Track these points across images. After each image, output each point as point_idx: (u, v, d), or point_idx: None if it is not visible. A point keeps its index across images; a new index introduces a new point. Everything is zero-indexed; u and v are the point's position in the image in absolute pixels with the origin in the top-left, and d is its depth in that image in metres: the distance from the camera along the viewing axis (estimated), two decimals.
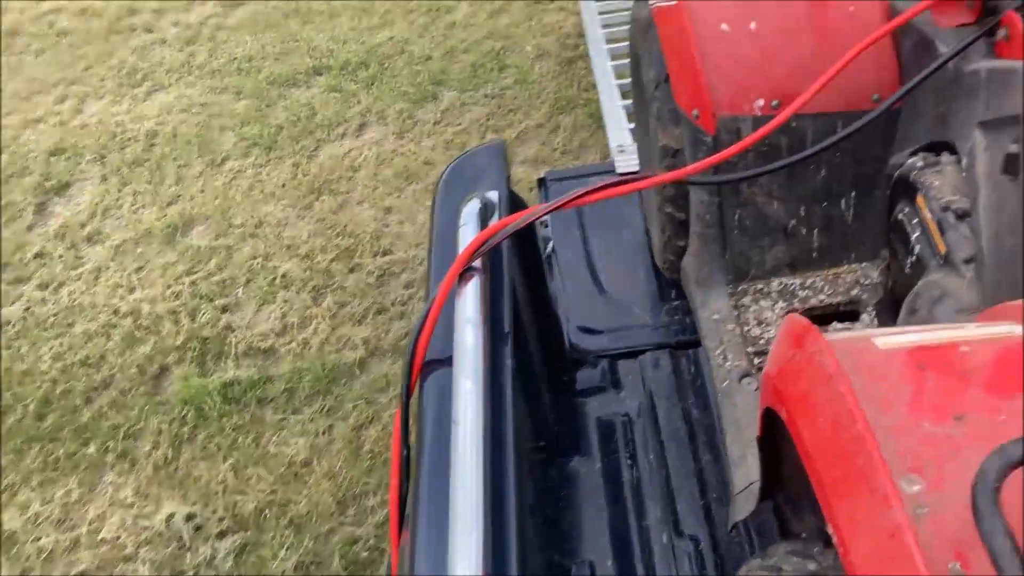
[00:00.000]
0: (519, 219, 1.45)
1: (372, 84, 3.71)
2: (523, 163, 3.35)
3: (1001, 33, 1.46)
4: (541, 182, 2.62)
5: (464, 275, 1.36)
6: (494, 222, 1.53)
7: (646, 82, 1.91)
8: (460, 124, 3.51)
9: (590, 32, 3.54)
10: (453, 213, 1.55)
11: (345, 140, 3.51)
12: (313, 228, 3.20)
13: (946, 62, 1.44)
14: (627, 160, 2.61)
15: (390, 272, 3.01)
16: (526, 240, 1.78)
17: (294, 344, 2.78)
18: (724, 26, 1.58)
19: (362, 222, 3.19)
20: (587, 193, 1.50)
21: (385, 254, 3.08)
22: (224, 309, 2.92)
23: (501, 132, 3.45)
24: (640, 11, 1.96)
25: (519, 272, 1.68)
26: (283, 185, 3.36)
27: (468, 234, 1.48)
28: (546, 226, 2.37)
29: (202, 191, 3.38)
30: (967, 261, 1.36)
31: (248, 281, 3.01)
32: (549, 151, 3.38)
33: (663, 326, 2.15)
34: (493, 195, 1.62)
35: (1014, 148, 1.27)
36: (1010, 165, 1.27)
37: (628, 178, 1.58)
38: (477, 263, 1.39)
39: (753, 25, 1.58)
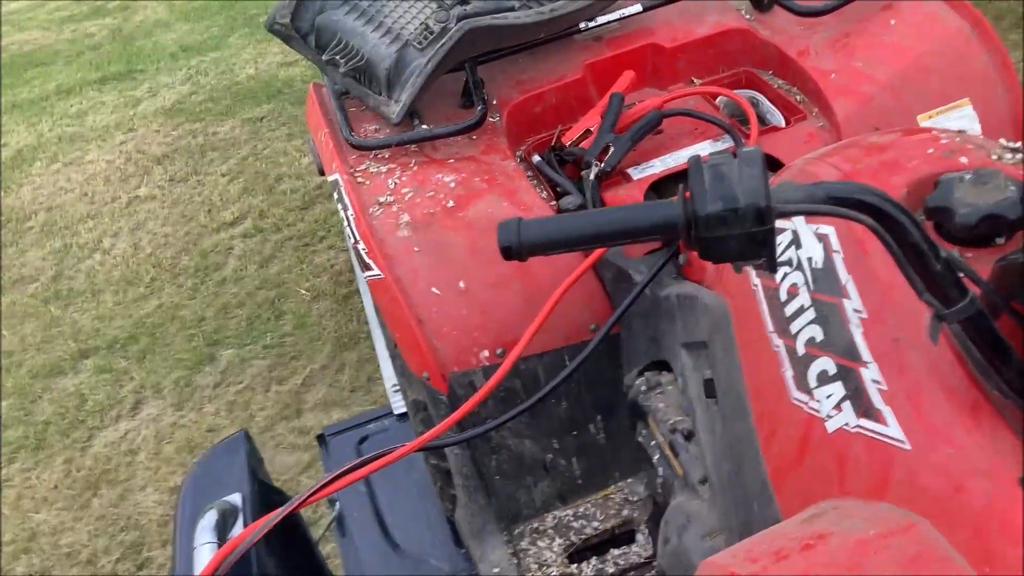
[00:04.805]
0: (256, 529, 1.36)
1: (144, 358, 3.56)
2: (313, 409, 3.26)
3: (682, 257, 1.56)
4: (321, 439, 2.55)
5: None
6: (237, 531, 1.44)
7: (387, 338, 1.92)
8: (242, 382, 3.40)
9: (358, 269, 3.58)
10: (190, 534, 1.45)
11: (120, 423, 3.32)
12: (94, 528, 2.95)
13: (641, 291, 1.52)
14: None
15: None
16: (287, 531, 1.68)
17: None
18: (434, 290, 1.62)
19: (147, 509, 2.97)
20: (326, 484, 1.44)
21: None
22: None
23: (286, 382, 3.36)
24: None
25: (284, 571, 1.58)
26: (55, 487, 3.10)
27: (203, 557, 1.38)
28: None
29: None
30: (702, 482, 1.38)
31: None
32: (338, 392, 3.32)
33: (463, 572, 2.07)
34: (236, 499, 1.54)
35: (708, 373, 1.33)
36: (709, 388, 1.32)
37: (375, 455, 1.54)
38: None
39: (462, 284, 1.62)
